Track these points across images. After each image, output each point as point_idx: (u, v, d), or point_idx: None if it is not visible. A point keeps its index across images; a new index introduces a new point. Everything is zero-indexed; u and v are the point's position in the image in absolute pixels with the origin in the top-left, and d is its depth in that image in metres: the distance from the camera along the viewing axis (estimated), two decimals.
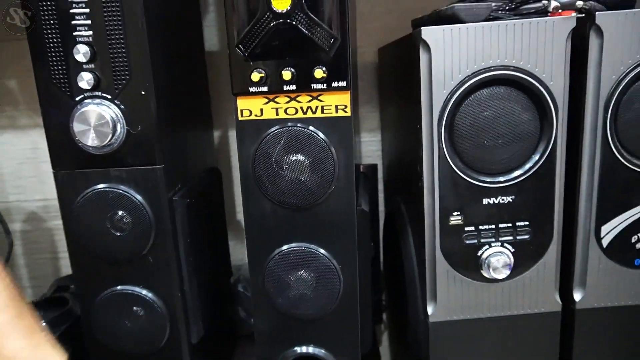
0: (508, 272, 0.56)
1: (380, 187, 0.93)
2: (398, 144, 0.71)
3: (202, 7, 0.85)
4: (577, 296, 0.58)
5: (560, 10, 0.57)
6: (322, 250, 0.56)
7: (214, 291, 0.71)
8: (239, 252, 0.96)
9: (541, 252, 0.57)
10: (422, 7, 0.86)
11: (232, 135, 0.94)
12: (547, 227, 0.56)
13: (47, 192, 0.96)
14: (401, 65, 0.63)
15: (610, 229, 0.56)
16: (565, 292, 0.59)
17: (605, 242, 0.56)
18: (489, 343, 0.59)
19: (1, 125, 0.94)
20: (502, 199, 0.55)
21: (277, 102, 0.52)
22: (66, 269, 1.04)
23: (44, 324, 0.72)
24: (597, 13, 0.51)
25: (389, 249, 0.81)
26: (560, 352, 0.60)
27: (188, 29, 0.73)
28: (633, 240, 0.56)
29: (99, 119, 0.52)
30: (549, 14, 0.57)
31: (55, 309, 0.75)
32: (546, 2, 0.58)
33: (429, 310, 0.58)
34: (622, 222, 0.56)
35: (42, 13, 0.50)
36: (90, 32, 0.51)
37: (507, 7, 0.59)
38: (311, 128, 0.52)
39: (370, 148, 0.94)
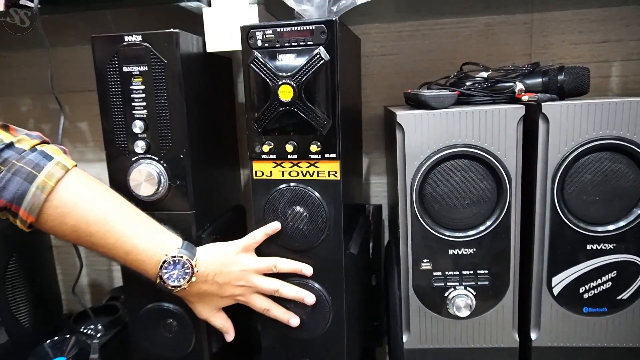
0: (469, 312, 0.67)
1: (387, 223, 1.05)
2: (392, 192, 0.84)
3: (235, 67, 1.01)
4: (533, 335, 0.68)
5: (523, 92, 0.68)
6: (316, 285, 0.69)
7: (233, 307, 0.85)
8: None
9: (499, 297, 0.67)
10: (424, 68, 0.99)
11: None
12: (504, 276, 0.66)
13: None
14: (390, 132, 0.76)
15: (560, 280, 0.66)
16: (524, 331, 0.69)
17: (556, 291, 0.66)
18: None
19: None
20: (465, 251, 0.66)
21: (283, 167, 0.67)
22: (118, 280, 1.23)
23: (100, 326, 0.90)
24: (543, 104, 0.62)
25: (387, 279, 0.93)
26: None
27: (222, 89, 0.90)
28: (581, 291, 0.66)
29: (148, 176, 0.68)
30: (515, 94, 0.69)
31: (109, 315, 0.93)
32: (514, 84, 0.70)
33: (404, 338, 0.70)
34: (570, 275, 0.65)
35: (111, 97, 0.68)
36: (145, 112, 0.67)
37: (481, 86, 0.72)
38: (309, 188, 0.66)
39: (378, 189, 1.06)
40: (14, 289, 0.83)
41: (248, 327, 1.00)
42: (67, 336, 0.82)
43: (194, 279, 0.64)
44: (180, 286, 0.64)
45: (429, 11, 0.93)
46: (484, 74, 0.75)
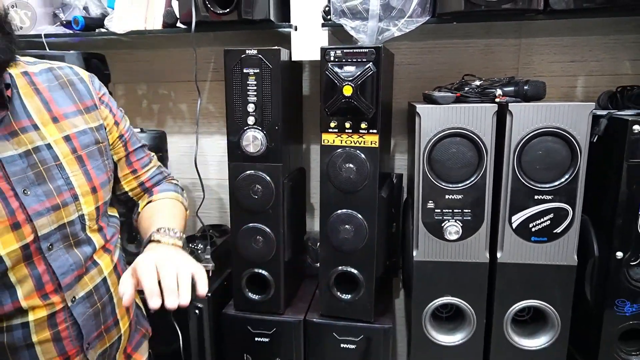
0: (457, 237, 1.03)
1: (405, 188, 1.42)
2: (411, 164, 1.21)
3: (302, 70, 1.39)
4: (499, 255, 1.04)
5: (502, 95, 1.04)
6: (358, 215, 1.07)
7: (295, 238, 1.24)
8: (309, 223, 1.49)
9: (477, 228, 1.04)
10: (438, 75, 1.36)
11: (313, 147, 1.47)
12: (480, 214, 1.03)
13: (194, 173, 1.51)
14: (411, 120, 1.13)
15: (517, 219, 1.02)
16: (492, 251, 1.05)
17: (514, 226, 1.02)
18: (447, 274, 1.07)
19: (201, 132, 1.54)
20: (456, 196, 1.03)
21: (341, 137, 1.04)
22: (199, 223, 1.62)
23: (201, 245, 1.29)
24: (509, 104, 0.97)
25: (404, 223, 1.30)
26: (488, 285, 1.06)
27: (296, 85, 1.28)
28: (530, 226, 1.02)
29: (254, 139, 1.07)
30: (495, 97, 1.05)
31: (205, 241, 1.32)
32: (495, 90, 1.06)
33: (414, 254, 1.07)
34: (523, 215, 1.01)
35: (234, 88, 1.06)
36: (255, 98, 1.06)
37: (474, 91, 1.08)
38: (357, 151, 1.04)
39: (401, 163, 1.44)
40: None
41: (301, 259, 1.39)
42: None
43: None
44: None
45: (444, 34, 1.29)
46: (478, 82, 1.11)
